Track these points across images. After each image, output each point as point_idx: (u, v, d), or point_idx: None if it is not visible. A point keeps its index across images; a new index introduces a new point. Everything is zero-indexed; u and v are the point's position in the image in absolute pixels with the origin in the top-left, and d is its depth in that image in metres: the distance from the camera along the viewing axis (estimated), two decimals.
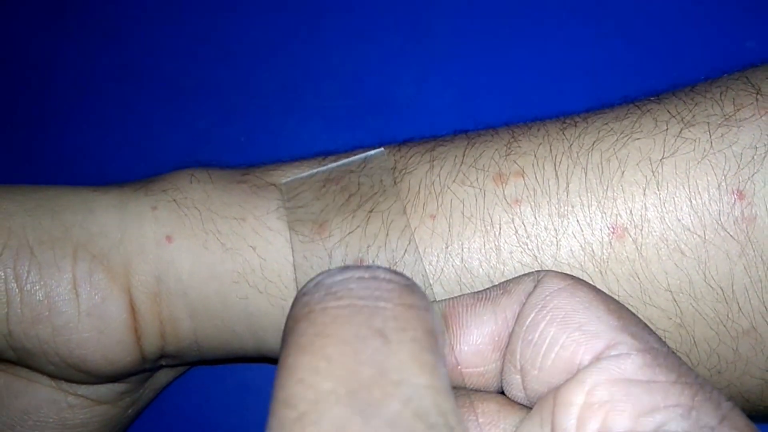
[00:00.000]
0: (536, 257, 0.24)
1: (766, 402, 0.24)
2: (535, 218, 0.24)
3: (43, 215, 0.26)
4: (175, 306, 0.26)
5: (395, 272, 0.17)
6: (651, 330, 0.18)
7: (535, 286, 0.19)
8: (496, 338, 0.19)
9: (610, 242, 0.23)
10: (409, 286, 0.17)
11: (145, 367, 0.28)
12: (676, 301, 0.23)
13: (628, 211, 0.23)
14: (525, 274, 0.20)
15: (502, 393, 0.20)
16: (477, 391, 0.20)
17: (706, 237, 0.23)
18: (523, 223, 0.24)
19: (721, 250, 0.23)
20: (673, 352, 0.17)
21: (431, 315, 0.17)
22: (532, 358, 0.18)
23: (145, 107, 0.37)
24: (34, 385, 0.28)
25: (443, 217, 0.25)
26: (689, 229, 0.23)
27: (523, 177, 0.24)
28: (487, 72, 0.36)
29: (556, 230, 0.24)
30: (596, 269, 0.23)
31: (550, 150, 0.25)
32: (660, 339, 0.18)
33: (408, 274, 0.21)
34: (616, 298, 0.23)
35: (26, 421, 0.28)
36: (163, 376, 0.32)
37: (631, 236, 0.23)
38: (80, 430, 0.29)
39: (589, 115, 0.26)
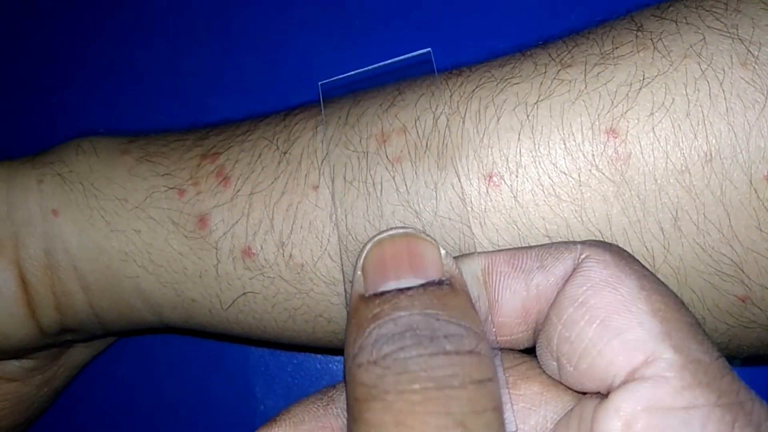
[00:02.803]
0: (417, 213, 0.23)
1: None
2: (415, 174, 0.23)
3: None
4: (67, 279, 0.26)
5: (460, 330, 0.16)
6: (697, 330, 0.17)
7: (575, 269, 0.18)
8: (524, 313, 0.19)
9: (488, 191, 0.23)
10: (475, 353, 0.16)
11: (47, 342, 0.28)
12: None
13: (504, 158, 0.23)
14: (564, 246, 0.19)
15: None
16: (519, 364, 0.19)
17: (581, 179, 0.22)
18: (404, 179, 0.23)
19: (597, 192, 0.22)
20: (717, 358, 0.17)
21: (496, 384, 0.16)
22: (569, 356, 0.18)
23: (67, 86, 0.37)
24: None
25: (325, 186, 0.24)
26: (564, 172, 0.22)
27: (405, 133, 0.24)
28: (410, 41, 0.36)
29: (435, 184, 0.23)
30: (476, 220, 0.23)
31: (430, 101, 0.24)
32: (704, 339, 0.17)
33: (305, 252, 0.24)
34: (496, 248, 0.23)
35: None
36: (78, 354, 0.32)
37: (507, 184, 0.22)
38: None
39: (476, 64, 0.25)
